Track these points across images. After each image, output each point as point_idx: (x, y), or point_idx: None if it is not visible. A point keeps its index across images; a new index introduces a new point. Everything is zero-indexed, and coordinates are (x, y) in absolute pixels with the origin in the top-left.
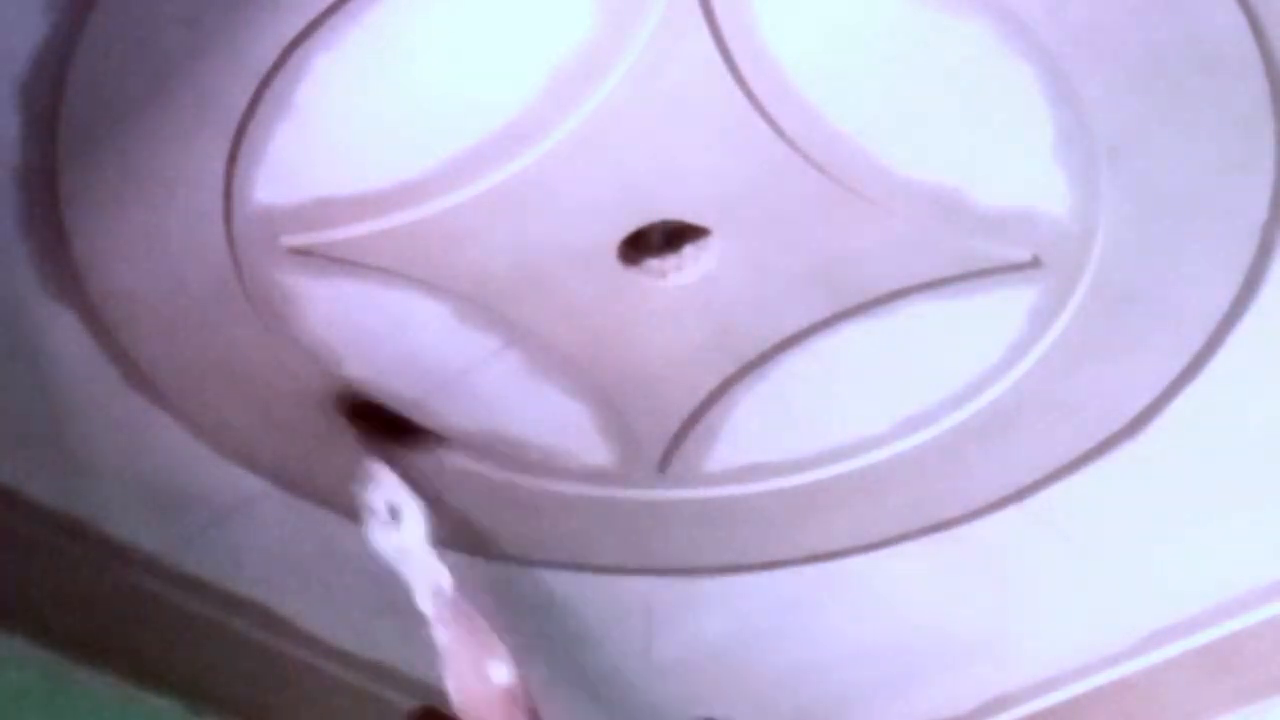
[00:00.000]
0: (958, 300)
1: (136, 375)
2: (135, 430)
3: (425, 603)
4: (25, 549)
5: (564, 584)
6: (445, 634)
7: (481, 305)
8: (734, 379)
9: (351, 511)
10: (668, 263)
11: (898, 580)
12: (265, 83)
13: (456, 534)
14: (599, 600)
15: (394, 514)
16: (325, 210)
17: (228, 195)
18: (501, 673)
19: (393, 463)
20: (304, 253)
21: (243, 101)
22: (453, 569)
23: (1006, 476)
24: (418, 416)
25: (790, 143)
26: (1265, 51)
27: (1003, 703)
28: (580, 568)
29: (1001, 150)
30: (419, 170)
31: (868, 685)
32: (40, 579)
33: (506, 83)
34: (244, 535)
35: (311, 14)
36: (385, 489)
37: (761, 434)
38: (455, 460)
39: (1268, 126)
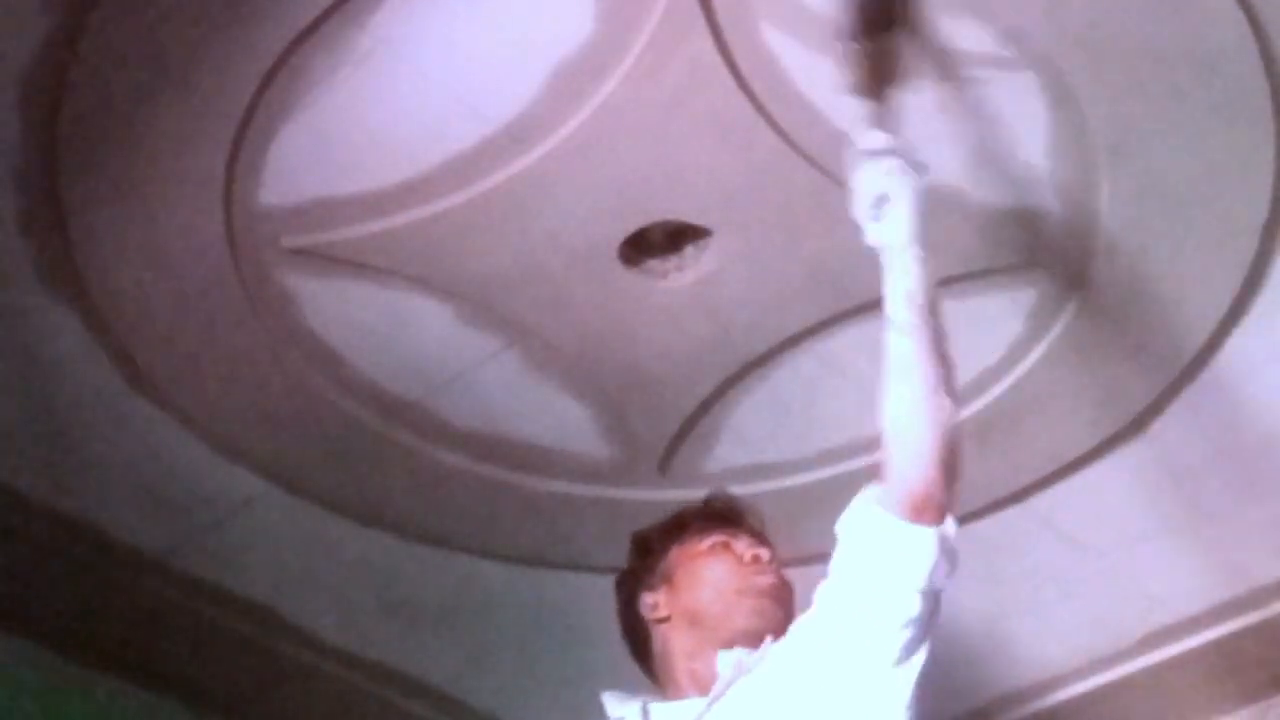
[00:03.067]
0: (958, 300)
1: (137, 375)
2: (135, 430)
3: (891, 306)
4: (25, 549)
5: (564, 584)
6: (898, 347)
7: (481, 305)
8: (734, 379)
9: (352, 512)
10: (668, 263)
11: None
12: (265, 83)
13: (455, 534)
14: (599, 600)
15: (880, 202)
16: (325, 210)
17: (228, 195)
18: (940, 408)
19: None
20: (304, 253)
21: (243, 102)
22: (452, 569)
23: (1006, 476)
24: (418, 415)
25: (790, 143)
26: (1265, 51)
27: (1003, 703)
28: (580, 568)
29: (1001, 150)
30: (419, 170)
31: None
32: (40, 579)
33: (506, 83)
34: (244, 535)
35: (311, 15)
36: (879, 169)
37: (761, 434)
38: (455, 460)
39: (1268, 127)
